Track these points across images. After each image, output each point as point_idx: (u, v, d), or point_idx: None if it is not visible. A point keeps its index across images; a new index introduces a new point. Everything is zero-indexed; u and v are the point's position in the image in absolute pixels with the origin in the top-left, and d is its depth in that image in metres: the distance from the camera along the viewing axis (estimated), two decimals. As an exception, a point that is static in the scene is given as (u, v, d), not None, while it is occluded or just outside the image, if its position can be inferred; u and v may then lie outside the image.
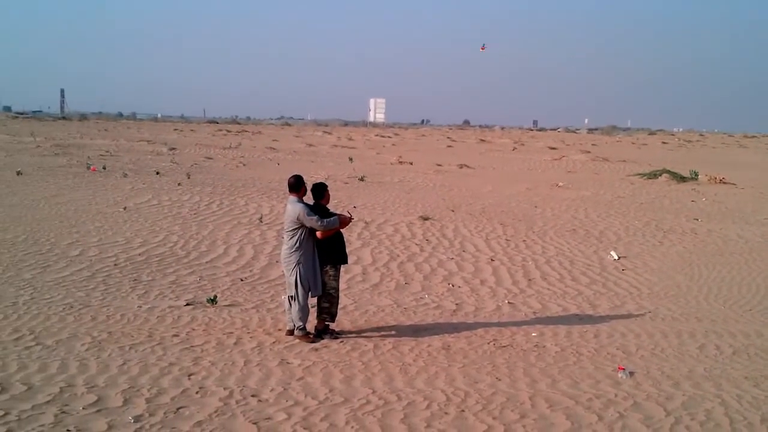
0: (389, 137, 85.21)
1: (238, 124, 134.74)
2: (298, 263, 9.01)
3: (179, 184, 24.80)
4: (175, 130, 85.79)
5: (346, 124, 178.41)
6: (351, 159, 40.71)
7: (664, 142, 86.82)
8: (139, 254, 14.04)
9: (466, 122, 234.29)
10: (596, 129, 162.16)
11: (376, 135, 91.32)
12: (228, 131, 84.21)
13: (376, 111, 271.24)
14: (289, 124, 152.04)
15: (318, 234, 9.10)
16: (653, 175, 33.51)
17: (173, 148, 45.77)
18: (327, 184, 9.68)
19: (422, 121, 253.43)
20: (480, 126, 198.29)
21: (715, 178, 31.93)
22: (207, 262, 13.73)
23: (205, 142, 56.56)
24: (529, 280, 13.34)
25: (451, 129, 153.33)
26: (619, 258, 15.28)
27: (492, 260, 14.72)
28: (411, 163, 39.99)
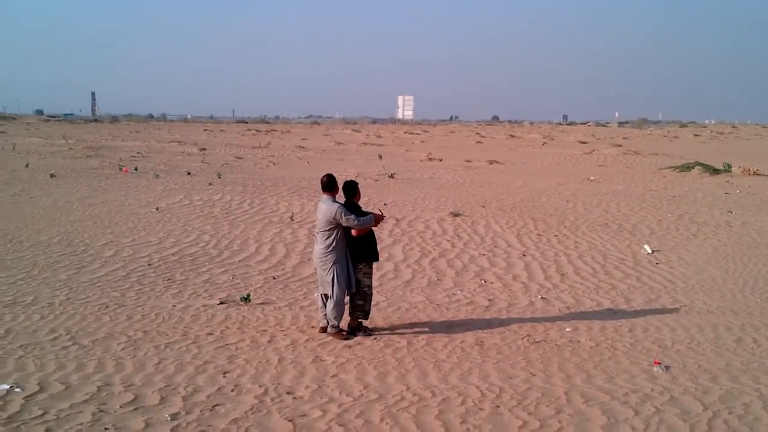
0: (418, 134, 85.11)
1: (267, 123, 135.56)
2: (335, 262, 9.02)
3: (210, 184, 24.99)
4: (205, 130, 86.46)
5: (374, 121, 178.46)
6: (380, 156, 40.68)
7: (696, 135, 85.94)
8: (173, 254, 14.17)
9: (495, 118, 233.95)
10: (627, 122, 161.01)
11: (405, 132, 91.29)
12: (257, 131, 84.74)
13: (405, 108, 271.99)
14: (317, 123, 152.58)
15: (353, 232, 9.11)
16: (686, 167, 33.11)
17: (203, 149, 46.13)
18: (358, 182, 9.69)
19: (451, 118, 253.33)
20: (509, 121, 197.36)
21: (749, 170, 31.50)
22: (239, 261, 13.82)
23: (234, 142, 56.98)
24: (562, 275, 13.25)
25: (480, 125, 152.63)
26: (652, 252, 15.12)
27: (524, 255, 14.65)
28: (440, 160, 39.93)
